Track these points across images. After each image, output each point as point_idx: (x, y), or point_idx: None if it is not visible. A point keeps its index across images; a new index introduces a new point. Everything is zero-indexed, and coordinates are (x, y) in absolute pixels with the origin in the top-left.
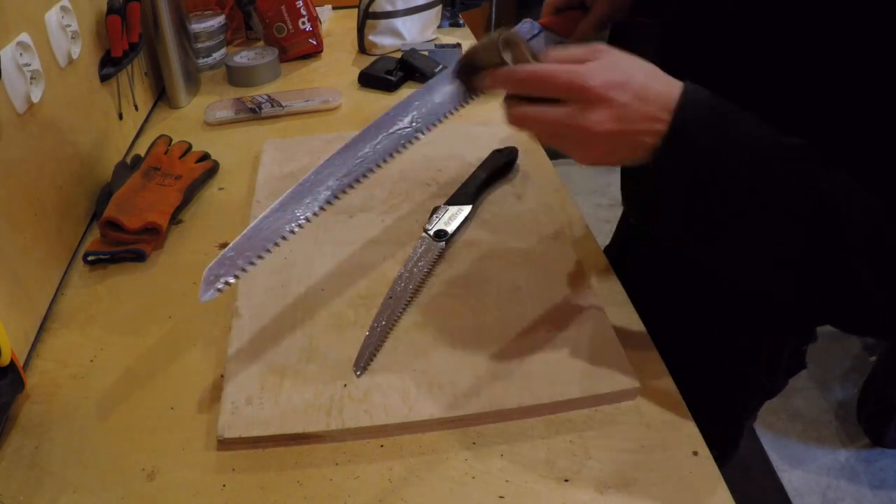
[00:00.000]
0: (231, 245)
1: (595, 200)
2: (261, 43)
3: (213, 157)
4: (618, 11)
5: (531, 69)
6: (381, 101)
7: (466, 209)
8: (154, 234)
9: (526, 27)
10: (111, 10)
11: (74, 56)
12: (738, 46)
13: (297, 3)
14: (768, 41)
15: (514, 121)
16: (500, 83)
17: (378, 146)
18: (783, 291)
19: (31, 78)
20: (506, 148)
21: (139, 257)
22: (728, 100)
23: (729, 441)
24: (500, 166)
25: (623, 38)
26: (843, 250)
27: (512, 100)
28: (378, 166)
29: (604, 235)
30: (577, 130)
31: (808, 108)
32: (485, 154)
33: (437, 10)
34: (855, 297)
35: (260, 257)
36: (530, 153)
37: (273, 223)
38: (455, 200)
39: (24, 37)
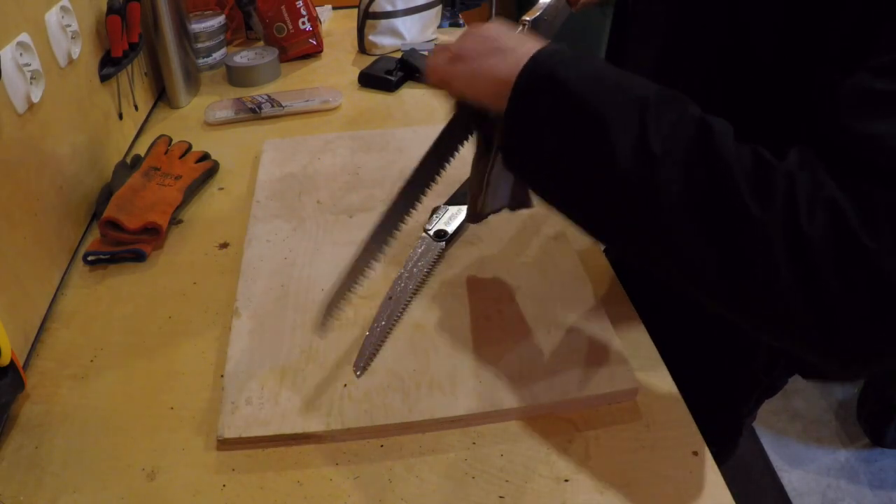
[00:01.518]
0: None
1: None
2: (261, 43)
3: (213, 157)
4: None
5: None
6: (381, 101)
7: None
8: (154, 234)
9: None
10: (111, 10)
11: (74, 56)
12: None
13: (297, 3)
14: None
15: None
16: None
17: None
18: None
19: (31, 78)
20: None
21: (139, 257)
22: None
23: (728, 439)
24: None
25: (625, 25)
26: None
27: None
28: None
29: None
30: (451, 51)
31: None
32: None
33: (437, 10)
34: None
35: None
36: None
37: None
38: (455, 200)
39: (24, 37)
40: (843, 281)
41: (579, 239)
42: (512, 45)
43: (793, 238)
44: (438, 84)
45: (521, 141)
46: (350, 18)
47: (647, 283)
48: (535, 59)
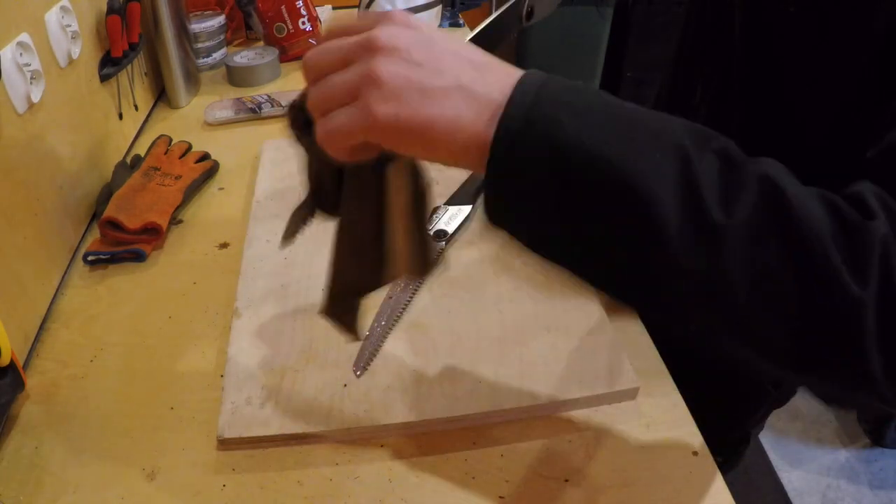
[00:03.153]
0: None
1: None
2: (261, 43)
3: (213, 157)
4: None
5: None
6: None
7: (466, 209)
8: (154, 234)
9: None
10: (111, 10)
11: (74, 56)
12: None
13: (297, 2)
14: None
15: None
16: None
17: None
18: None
19: (31, 78)
20: None
21: (139, 257)
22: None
23: (733, 449)
24: None
25: (625, 25)
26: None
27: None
28: None
29: None
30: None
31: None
32: None
33: (437, 10)
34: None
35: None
36: None
37: None
38: (455, 200)
39: (24, 37)
40: None
41: None
42: (470, 77)
43: (885, 308)
44: (344, 138)
45: (513, 219)
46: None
47: None
48: (518, 107)
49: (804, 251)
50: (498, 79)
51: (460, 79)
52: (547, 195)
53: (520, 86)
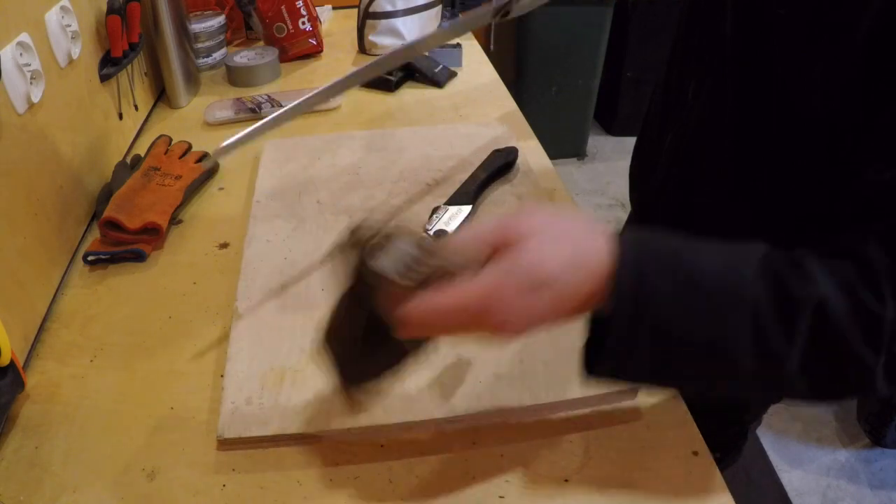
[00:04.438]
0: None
1: (595, 200)
2: (261, 43)
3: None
4: None
5: (431, 306)
6: (381, 102)
7: (466, 209)
8: (154, 234)
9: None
10: (111, 10)
11: (74, 56)
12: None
13: (297, 3)
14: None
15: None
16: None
17: None
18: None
19: (31, 78)
20: (506, 148)
21: (139, 257)
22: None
23: (732, 445)
24: (500, 166)
25: (625, 24)
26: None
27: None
28: None
29: None
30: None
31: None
32: (485, 154)
33: (437, 10)
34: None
35: None
36: (530, 153)
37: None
38: (455, 200)
39: (24, 37)
40: None
41: None
42: (587, 259)
43: (889, 368)
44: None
45: (615, 375)
46: (350, 18)
47: None
48: (623, 292)
49: (838, 347)
50: (601, 252)
51: (582, 260)
52: (650, 365)
53: (621, 270)
